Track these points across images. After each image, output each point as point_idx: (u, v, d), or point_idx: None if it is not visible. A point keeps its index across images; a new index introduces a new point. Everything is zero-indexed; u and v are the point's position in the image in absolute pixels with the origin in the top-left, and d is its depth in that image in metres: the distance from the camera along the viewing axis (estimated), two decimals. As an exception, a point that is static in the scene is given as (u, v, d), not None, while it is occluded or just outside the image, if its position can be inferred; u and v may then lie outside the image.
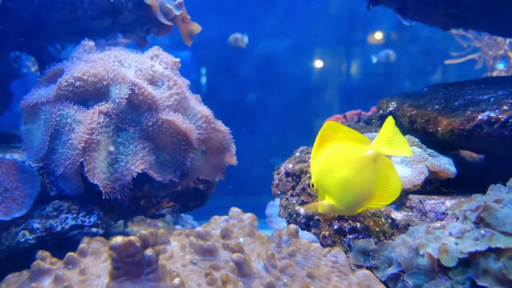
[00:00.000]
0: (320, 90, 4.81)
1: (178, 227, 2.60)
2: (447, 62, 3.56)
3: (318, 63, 4.78)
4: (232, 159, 1.61)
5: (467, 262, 0.86)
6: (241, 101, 4.67)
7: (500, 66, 3.41)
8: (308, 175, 1.40)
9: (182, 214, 2.71)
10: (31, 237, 1.24)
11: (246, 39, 3.84)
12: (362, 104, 2.26)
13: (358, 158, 0.91)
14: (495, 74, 3.38)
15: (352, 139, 0.95)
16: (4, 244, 1.21)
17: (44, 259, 1.10)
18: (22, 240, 1.23)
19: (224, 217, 1.22)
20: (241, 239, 1.11)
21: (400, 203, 1.14)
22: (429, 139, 1.26)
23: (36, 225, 1.25)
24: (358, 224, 1.13)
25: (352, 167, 0.92)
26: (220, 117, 1.63)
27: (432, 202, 1.10)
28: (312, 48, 4.77)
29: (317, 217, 1.24)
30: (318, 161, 0.99)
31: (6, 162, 1.28)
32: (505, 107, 1.08)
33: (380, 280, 0.97)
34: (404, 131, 1.41)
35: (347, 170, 0.92)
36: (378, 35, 4.65)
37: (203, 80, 4.67)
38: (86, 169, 1.23)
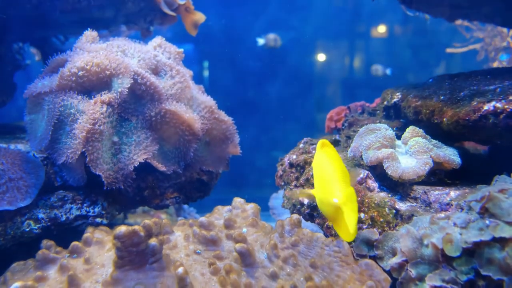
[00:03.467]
0: (323, 82, 4.78)
1: (180, 219, 2.61)
2: (448, 50, 3.54)
3: (321, 56, 4.76)
4: (236, 149, 1.60)
5: (471, 252, 0.86)
6: (243, 94, 4.65)
7: (503, 57, 3.38)
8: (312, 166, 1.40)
9: (185, 206, 2.71)
10: (36, 227, 1.25)
11: (279, 39, 3.86)
12: (365, 97, 2.24)
13: (329, 198, 0.98)
14: (495, 65, 3.36)
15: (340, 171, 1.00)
16: (9, 234, 1.22)
17: (49, 248, 1.11)
18: (27, 229, 1.24)
19: (227, 207, 1.22)
20: (244, 229, 1.11)
21: (404, 193, 1.14)
22: (434, 130, 1.25)
23: (41, 215, 1.26)
24: (362, 214, 1.13)
25: (325, 199, 1.00)
26: (222, 110, 1.62)
27: (437, 193, 1.09)
28: (315, 41, 4.74)
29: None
30: (313, 172, 1.10)
31: (10, 152, 1.29)
32: (511, 98, 1.07)
33: (384, 270, 0.97)
34: (409, 122, 1.41)
35: (322, 195, 1.01)
36: (382, 28, 4.61)
37: (206, 72, 4.66)
38: (88, 159, 1.23)
